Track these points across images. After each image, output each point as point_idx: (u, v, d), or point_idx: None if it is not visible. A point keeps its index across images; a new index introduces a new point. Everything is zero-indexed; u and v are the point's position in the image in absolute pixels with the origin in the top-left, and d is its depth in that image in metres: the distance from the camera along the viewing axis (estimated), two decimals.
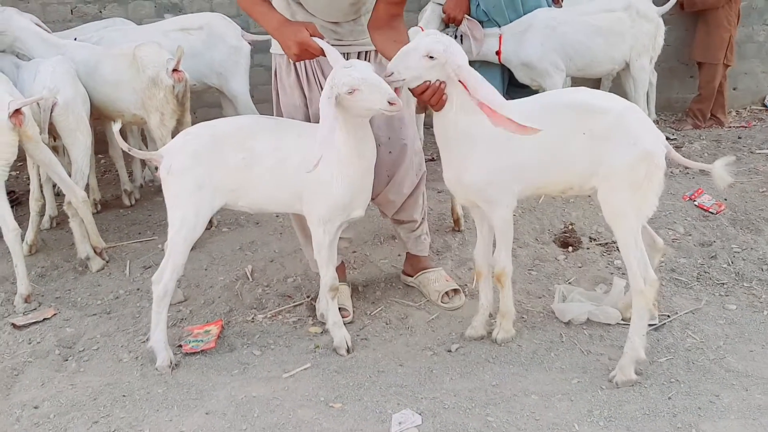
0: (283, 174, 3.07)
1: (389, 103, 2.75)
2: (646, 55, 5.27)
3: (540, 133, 2.77)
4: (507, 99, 3.04)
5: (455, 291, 3.72)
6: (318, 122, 3.25)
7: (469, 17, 4.98)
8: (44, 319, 3.63)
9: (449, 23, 5.01)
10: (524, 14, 5.07)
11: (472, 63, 3.04)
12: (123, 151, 3.84)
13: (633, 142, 2.91)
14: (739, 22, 6.29)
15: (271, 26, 3.11)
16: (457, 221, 4.39)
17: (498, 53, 5.04)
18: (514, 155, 2.96)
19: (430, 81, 2.85)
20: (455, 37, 4.98)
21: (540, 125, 2.75)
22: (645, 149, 2.90)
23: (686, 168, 5.18)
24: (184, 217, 3.08)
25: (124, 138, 5.26)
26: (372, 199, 3.58)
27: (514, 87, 5.34)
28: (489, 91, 2.81)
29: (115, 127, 3.12)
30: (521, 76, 5.19)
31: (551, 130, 2.90)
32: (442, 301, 3.67)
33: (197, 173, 3.05)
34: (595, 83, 6.10)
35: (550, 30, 5.06)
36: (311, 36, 2.99)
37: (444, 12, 5.00)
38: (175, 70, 4.18)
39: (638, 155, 2.89)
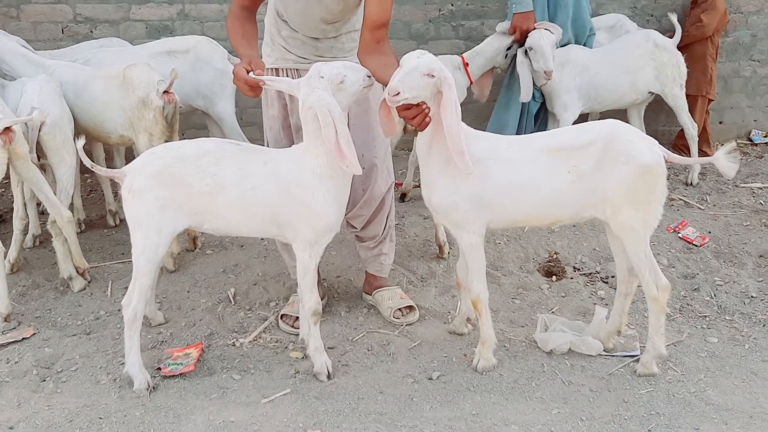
0: (254, 202, 3.02)
1: (367, 77, 2.95)
2: (675, 83, 5.52)
3: (511, 169, 3.00)
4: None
5: (410, 308, 3.76)
6: (297, 132, 3.29)
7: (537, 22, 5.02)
8: (23, 338, 3.59)
9: (519, 37, 4.94)
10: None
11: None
12: None
13: (625, 161, 2.95)
14: (716, 57, 6.40)
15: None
16: (440, 248, 4.39)
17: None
18: (481, 183, 3.01)
19: (425, 100, 2.89)
20: (524, 54, 4.96)
21: (518, 164, 3.02)
22: (640, 164, 2.95)
23: (671, 200, 5.25)
24: (146, 237, 3.03)
25: (110, 158, 5.27)
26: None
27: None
28: (456, 118, 2.87)
29: (79, 143, 3.10)
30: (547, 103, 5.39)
31: (529, 168, 3.01)
32: (393, 317, 3.71)
33: (158, 194, 2.99)
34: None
35: (583, 68, 5.25)
36: (249, 71, 3.02)
37: (512, 27, 4.95)
38: (166, 92, 4.17)
39: (635, 171, 2.95)
